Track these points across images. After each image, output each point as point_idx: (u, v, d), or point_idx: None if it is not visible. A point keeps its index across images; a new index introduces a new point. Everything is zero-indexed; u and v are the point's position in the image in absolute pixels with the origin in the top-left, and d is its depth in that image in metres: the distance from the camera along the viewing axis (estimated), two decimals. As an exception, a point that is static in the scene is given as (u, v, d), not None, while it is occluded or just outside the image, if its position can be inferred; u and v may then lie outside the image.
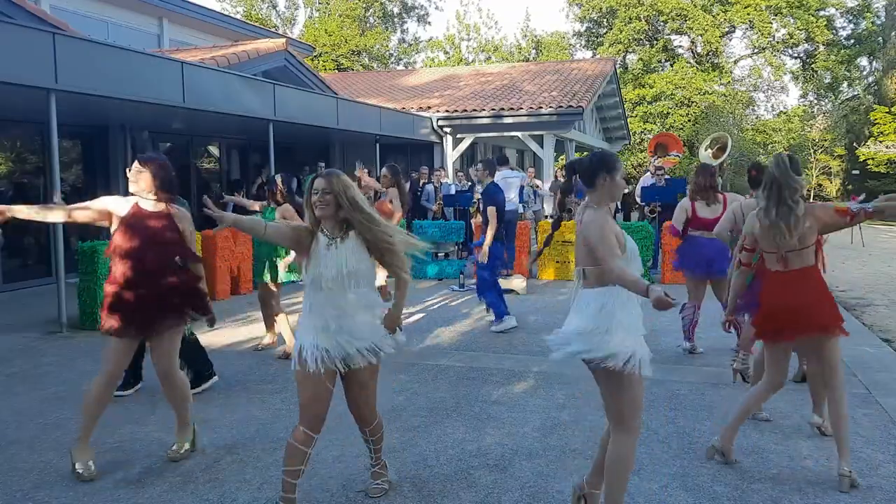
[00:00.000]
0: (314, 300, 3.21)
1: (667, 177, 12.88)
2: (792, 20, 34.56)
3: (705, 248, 6.05)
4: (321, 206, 3.16)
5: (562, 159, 22.31)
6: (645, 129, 35.48)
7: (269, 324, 6.57)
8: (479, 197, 7.70)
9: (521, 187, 13.67)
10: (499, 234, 7.25)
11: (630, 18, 36.39)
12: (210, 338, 6.38)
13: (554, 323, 7.59)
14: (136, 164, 3.85)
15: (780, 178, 3.64)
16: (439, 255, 11.69)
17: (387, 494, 3.52)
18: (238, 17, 33.22)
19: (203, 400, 5.04)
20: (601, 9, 37.85)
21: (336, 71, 34.31)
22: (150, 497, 3.54)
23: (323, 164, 13.69)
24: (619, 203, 13.96)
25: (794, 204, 3.61)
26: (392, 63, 41.46)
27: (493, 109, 16.41)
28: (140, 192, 3.83)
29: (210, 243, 9.03)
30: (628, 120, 28.36)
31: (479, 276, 7.45)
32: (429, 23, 56.56)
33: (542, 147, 16.70)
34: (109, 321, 3.74)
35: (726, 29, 36.55)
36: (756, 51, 37.14)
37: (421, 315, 8.14)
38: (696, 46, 37.28)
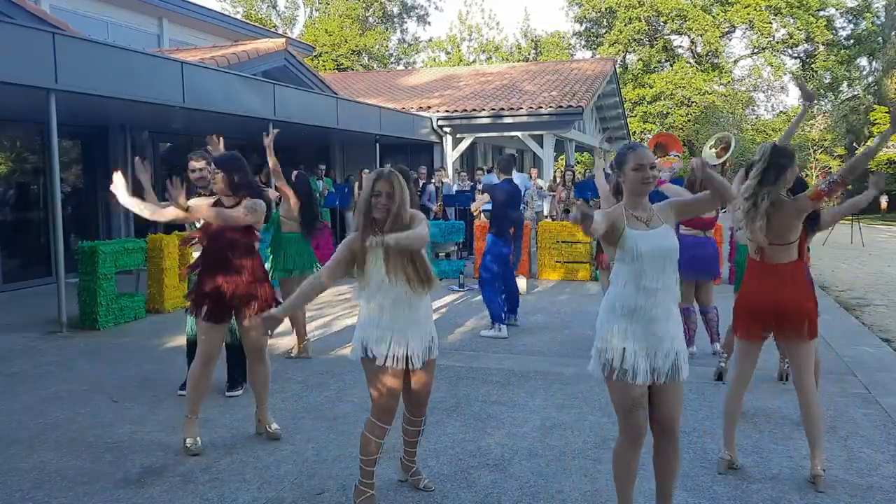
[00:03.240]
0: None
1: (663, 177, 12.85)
2: (792, 20, 34.57)
3: (699, 251, 5.91)
4: (382, 209, 3.16)
5: (562, 159, 22.30)
6: (645, 128, 35.51)
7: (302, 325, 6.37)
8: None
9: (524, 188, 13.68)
10: (503, 233, 7.20)
11: (630, 19, 36.39)
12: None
13: (554, 323, 7.61)
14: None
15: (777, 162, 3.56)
16: (440, 255, 11.68)
17: (441, 487, 3.61)
18: (238, 17, 33.23)
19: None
20: (601, 9, 37.85)
21: (336, 71, 34.32)
22: (150, 497, 3.54)
23: (323, 167, 13.68)
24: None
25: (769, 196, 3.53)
26: (392, 63, 41.46)
27: (492, 109, 16.42)
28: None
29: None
30: (628, 120, 28.37)
31: (480, 272, 7.36)
32: (428, 23, 56.54)
33: (541, 147, 16.70)
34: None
35: (726, 29, 36.56)
36: (756, 51, 37.15)
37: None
38: (695, 46, 37.29)
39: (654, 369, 2.86)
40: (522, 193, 12.61)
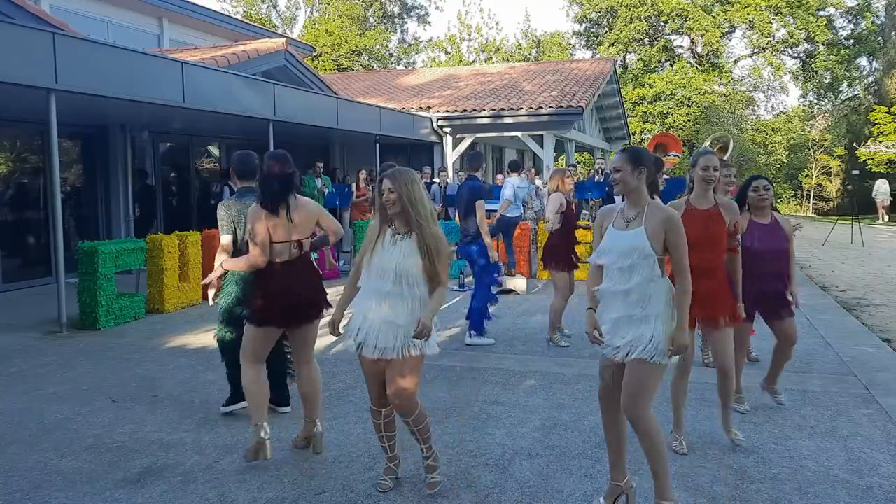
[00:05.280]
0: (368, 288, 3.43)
1: (665, 177, 12.88)
2: (792, 20, 34.55)
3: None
4: (389, 205, 3.36)
5: (562, 159, 22.29)
6: (645, 128, 35.50)
7: None
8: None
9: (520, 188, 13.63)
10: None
11: (630, 18, 36.38)
12: (208, 338, 6.36)
13: (554, 323, 7.59)
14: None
15: None
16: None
17: (441, 487, 3.55)
18: (238, 17, 33.22)
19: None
20: (601, 8, 37.84)
21: (336, 71, 34.32)
22: (150, 497, 3.54)
23: (321, 165, 13.67)
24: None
25: None
26: (392, 63, 41.47)
27: (492, 109, 16.42)
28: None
29: (213, 243, 9.01)
30: (628, 120, 28.36)
31: (478, 280, 6.80)
32: (429, 23, 56.53)
33: (541, 147, 16.70)
34: None
35: (726, 29, 36.54)
36: (756, 51, 37.14)
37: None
38: (696, 46, 37.27)
39: None
40: (526, 192, 12.56)
